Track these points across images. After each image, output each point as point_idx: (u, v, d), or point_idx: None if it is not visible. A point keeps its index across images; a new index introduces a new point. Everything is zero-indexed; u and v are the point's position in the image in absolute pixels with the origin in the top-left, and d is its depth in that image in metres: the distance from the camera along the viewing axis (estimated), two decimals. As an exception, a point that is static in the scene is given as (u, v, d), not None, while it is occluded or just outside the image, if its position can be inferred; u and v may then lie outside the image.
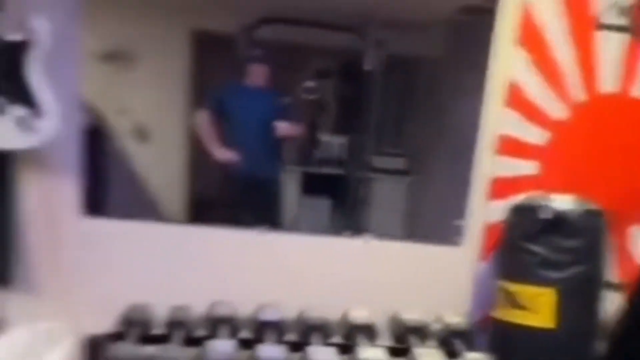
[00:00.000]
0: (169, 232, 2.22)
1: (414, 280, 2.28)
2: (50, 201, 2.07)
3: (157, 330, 2.02)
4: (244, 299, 2.08)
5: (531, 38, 2.11)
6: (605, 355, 2.12)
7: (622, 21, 2.13)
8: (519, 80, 2.13)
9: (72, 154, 2.12)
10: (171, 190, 2.86)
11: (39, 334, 2.08)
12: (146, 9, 2.59)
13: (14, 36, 1.79)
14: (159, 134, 2.80)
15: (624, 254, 2.36)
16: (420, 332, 2.13)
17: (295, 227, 3.13)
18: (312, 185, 3.58)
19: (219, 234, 2.22)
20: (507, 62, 2.14)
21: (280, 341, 1.99)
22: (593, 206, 2.01)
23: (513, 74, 2.13)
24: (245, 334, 2.05)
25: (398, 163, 3.70)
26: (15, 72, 1.79)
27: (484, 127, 2.22)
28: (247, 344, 1.97)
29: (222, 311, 2.03)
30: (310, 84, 3.36)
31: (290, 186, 3.35)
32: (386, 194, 3.62)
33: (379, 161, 3.65)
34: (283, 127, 3.01)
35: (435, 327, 2.18)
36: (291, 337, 2.07)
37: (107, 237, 2.15)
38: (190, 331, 2.01)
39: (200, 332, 2.03)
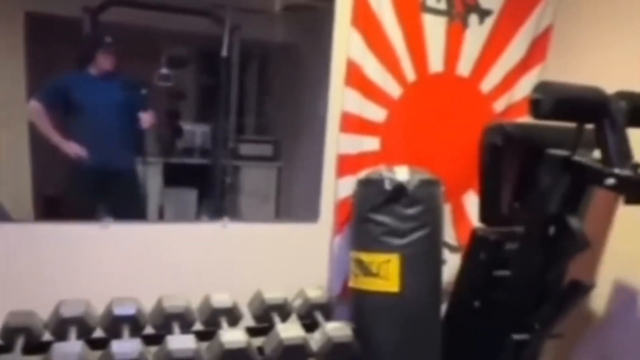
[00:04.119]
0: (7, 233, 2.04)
1: (275, 259, 2.34)
2: None
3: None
4: (98, 296, 1.98)
5: (364, 20, 2.23)
6: (446, 314, 2.34)
7: (442, 5, 2.34)
8: (357, 60, 2.25)
9: None
10: (15, 189, 2.62)
11: None
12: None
13: None
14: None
15: (461, 219, 2.62)
16: (281, 309, 2.18)
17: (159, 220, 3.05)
18: (176, 176, 3.49)
19: (63, 230, 2.09)
20: (345, 43, 2.24)
21: (137, 335, 1.93)
22: (429, 176, 2.19)
23: (351, 54, 2.24)
24: (99, 332, 1.96)
25: (265, 150, 3.73)
26: None
27: (330, 107, 2.31)
28: (101, 343, 1.89)
29: (70, 311, 1.91)
30: (164, 71, 3.25)
31: (152, 178, 3.24)
32: (255, 181, 3.64)
33: (245, 149, 3.66)
34: (147, 119, 2.89)
35: (297, 302, 2.25)
36: (150, 329, 2.02)
37: None
38: (34, 337, 1.87)
39: (47, 337, 1.90)
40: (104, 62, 2.78)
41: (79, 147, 2.69)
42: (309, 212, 2.51)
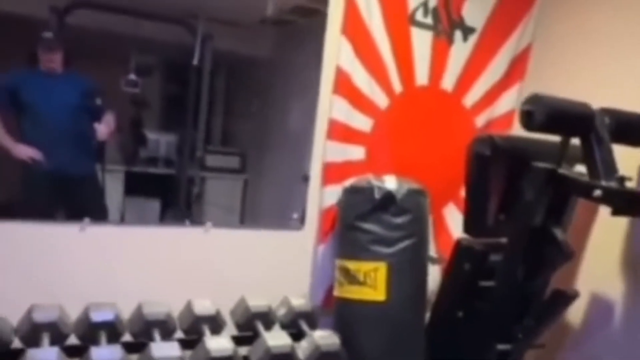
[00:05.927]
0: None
1: (257, 267, 2.28)
2: None
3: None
4: (73, 301, 1.86)
5: (355, 29, 2.25)
6: (429, 324, 2.34)
7: (429, 20, 2.40)
8: (346, 69, 2.26)
9: None
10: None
11: None
12: None
13: None
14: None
15: (442, 231, 2.65)
16: (265, 317, 2.12)
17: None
18: (139, 186, 3.38)
19: (32, 230, 1.95)
20: (335, 51, 2.25)
21: (116, 342, 1.82)
22: (416, 185, 2.21)
23: (341, 62, 2.25)
24: (73, 339, 1.84)
25: (232, 162, 3.68)
26: None
27: (319, 114, 2.30)
28: (77, 350, 1.77)
29: (43, 316, 1.78)
30: (131, 76, 3.16)
31: (113, 187, 3.11)
32: (221, 193, 3.58)
33: (211, 160, 3.60)
34: (103, 130, 2.76)
35: (281, 311, 2.19)
36: (129, 337, 1.91)
37: None
38: (2, 344, 1.73)
39: (16, 344, 1.76)
40: (46, 60, 2.62)
41: (33, 150, 2.54)
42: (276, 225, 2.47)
